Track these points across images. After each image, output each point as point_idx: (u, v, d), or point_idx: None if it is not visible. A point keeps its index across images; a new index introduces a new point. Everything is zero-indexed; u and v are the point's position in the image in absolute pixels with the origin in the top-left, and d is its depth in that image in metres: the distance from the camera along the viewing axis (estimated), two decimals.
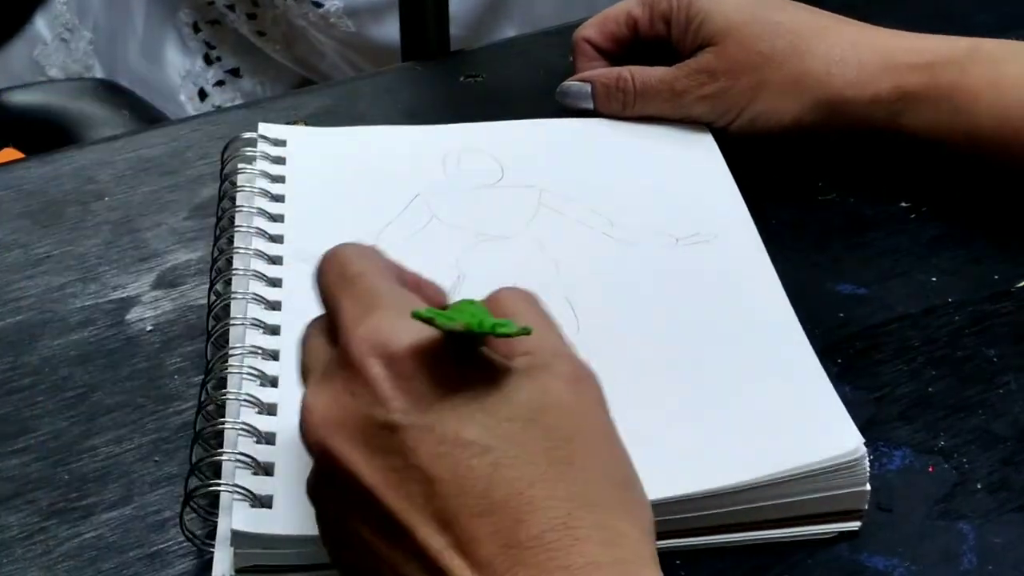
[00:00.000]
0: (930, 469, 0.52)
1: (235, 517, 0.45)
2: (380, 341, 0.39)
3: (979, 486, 0.52)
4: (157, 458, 0.53)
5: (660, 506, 0.47)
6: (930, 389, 0.56)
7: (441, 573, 0.36)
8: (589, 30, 0.71)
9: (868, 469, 0.48)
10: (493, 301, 0.42)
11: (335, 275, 0.42)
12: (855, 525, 0.49)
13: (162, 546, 0.50)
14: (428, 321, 0.38)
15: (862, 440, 0.48)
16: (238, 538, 0.45)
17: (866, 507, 0.49)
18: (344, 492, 0.38)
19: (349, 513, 0.39)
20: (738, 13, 0.66)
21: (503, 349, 0.40)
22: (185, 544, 0.49)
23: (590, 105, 0.69)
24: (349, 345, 0.39)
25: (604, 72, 0.69)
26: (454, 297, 0.57)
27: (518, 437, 0.37)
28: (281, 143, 0.66)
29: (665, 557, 0.48)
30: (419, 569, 0.37)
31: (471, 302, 0.41)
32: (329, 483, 0.39)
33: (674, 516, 0.48)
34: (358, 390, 0.38)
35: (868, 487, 0.48)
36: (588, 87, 0.69)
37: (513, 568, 0.35)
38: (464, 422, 0.37)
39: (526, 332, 0.39)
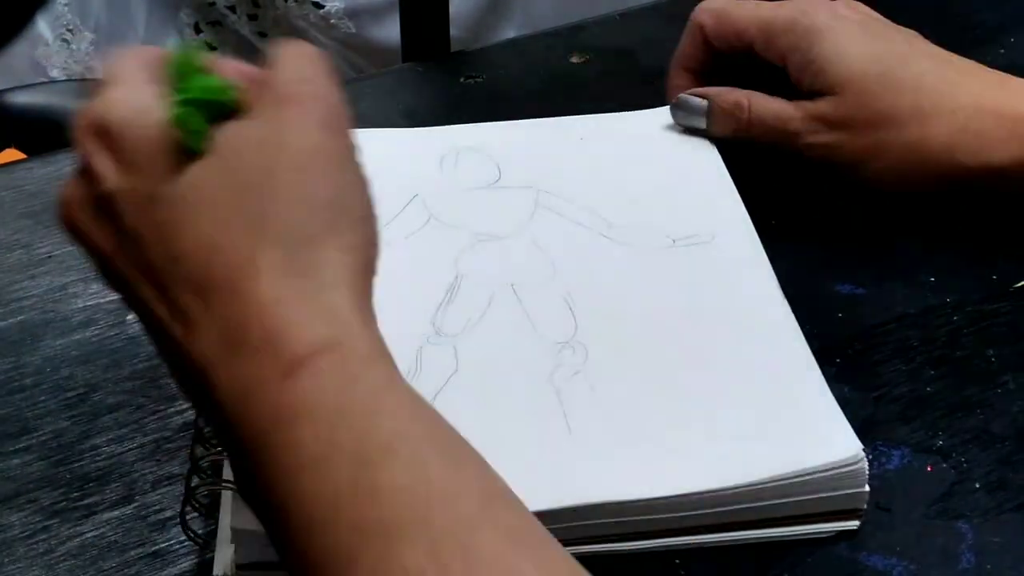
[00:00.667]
0: (929, 468, 0.53)
1: (235, 514, 0.46)
2: (95, 118, 0.41)
3: (977, 485, 0.52)
4: (158, 457, 0.53)
5: (658, 506, 0.47)
6: (929, 389, 0.56)
7: (156, 319, 0.40)
8: (707, 16, 0.66)
9: (867, 471, 0.48)
10: (278, 58, 0.43)
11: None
12: (854, 524, 0.49)
13: (163, 545, 0.50)
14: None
15: (860, 445, 0.48)
16: (238, 535, 0.45)
17: (865, 507, 0.49)
18: (94, 258, 0.42)
19: (102, 273, 0.43)
20: (860, 63, 0.62)
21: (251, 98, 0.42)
22: (186, 543, 0.49)
23: (702, 124, 0.66)
24: (75, 130, 0.42)
25: (723, 93, 0.65)
26: (454, 297, 0.57)
27: (207, 184, 0.40)
28: None
29: (665, 556, 0.49)
30: (145, 316, 0.41)
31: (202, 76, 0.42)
32: (87, 253, 0.43)
33: (672, 515, 0.48)
34: (77, 171, 0.42)
35: (867, 488, 0.48)
36: (705, 104, 0.66)
37: (207, 312, 0.38)
38: (159, 180, 0.40)
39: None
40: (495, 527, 0.36)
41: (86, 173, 0.41)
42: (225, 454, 0.47)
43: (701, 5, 0.68)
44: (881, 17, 0.66)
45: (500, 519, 0.36)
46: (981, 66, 0.64)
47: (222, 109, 0.42)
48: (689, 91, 0.67)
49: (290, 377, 0.37)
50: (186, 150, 0.40)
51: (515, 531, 0.36)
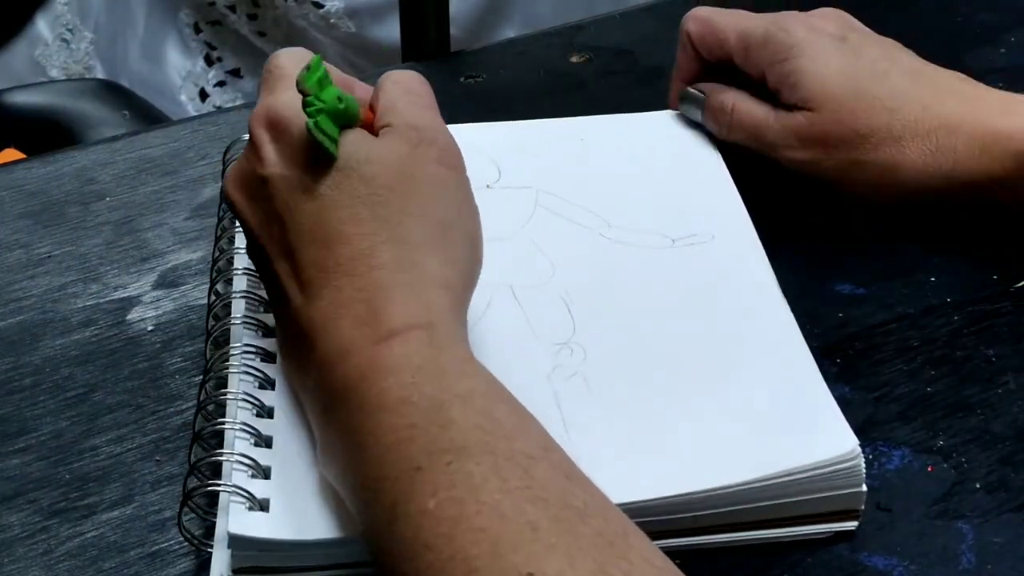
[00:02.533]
0: (929, 469, 0.53)
1: (232, 520, 0.45)
2: (270, 112, 0.49)
3: (978, 486, 0.52)
4: (158, 458, 0.53)
5: (656, 506, 0.47)
6: (929, 389, 0.56)
7: (283, 289, 0.47)
8: (692, 24, 0.67)
9: (864, 470, 0.48)
10: (379, 87, 0.52)
11: (264, 72, 0.52)
12: (852, 525, 0.49)
13: (163, 545, 0.50)
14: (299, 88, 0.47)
15: (857, 442, 0.48)
16: (235, 541, 0.45)
17: (863, 507, 0.49)
18: (245, 230, 0.50)
19: (248, 244, 0.51)
20: (836, 80, 0.62)
21: (377, 122, 0.50)
22: (186, 544, 0.49)
23: (699, 117, 0.67)
24: (250, 120, 0.50)
25: (715, 91, 0.66)
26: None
27: (343, 184, 0.47)
28: None
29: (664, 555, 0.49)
30: (273, 287, 0.48)
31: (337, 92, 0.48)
32: (241, 224, 0.50)
33: (670, 516, 0.48)
34: (250, 154, 0.49)
35: (864, 488, 0.48)
36: (701, 98, 0.67)
37: (326, 287, 0.45)
38: (309, 173, 0.47)
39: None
40: (552, 464, 0.41)
41: (252, 156, 0.49)
42: (311, 424, 0.48)
43: (689, 13, 0.68)
44: (861, 26, 0.66)
45: (557, 460, 0.41)
46: (958, 76, 0.64)
47: (348, 121, 0.48)
48: (693, 85, 0.68)
49: (384, 343, 0.43)
50: (320, 153, 0.47)
51: (571, 471, 0.41)
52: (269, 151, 0.48)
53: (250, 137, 0.49)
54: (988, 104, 0.62)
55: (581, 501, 0.39)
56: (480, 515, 0.38)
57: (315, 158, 0.47)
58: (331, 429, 0.44)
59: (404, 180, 0.47)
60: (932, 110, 0.62)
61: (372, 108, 0.52)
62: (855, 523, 0.49)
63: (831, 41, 0.63)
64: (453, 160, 0.50)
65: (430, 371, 0.42)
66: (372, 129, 0.50)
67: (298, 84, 0.47)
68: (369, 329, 0.44)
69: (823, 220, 0.66)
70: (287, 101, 0.49)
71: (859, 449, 0.48)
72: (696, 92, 0.67)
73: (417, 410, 0.41)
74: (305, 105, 0.47)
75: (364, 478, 0.42)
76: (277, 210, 0.48)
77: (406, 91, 0.52)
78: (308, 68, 0.47)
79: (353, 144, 0.48)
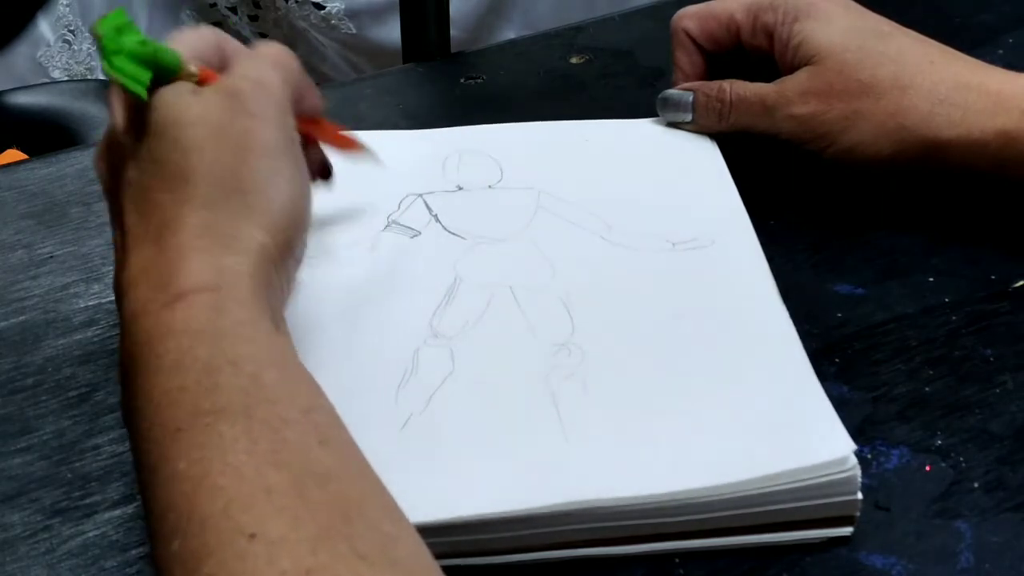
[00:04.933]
0: (927, 468, 0.53)
1: None
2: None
3: (976, 485, 0.52)
4: None
5: (652, 507, 0.47)
6: (927, 389, 0.56)
7: (116, 260, 0.48)
8: (689, 21, 0.68)
9: (860, 478, 0.48)
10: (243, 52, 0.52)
11: None
12: (847, 531, 0.49)
13: None
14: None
15: (853, 448, 0.48)
16: None
17: (858, 514, 0.49)
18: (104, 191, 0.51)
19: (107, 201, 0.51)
20: (842, 37, 0.63)
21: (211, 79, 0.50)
22: None
23: (687, 117, 0.67)
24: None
25: (706, 83, 0.67)
26: (453, 300, 0.57)
27: (156, 149, 0.47)
28: None
29: (663, 554, 0.49)
30: (118, 251, 0.48)
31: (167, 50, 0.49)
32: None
33: (667, 519, 0.48)
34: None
35: (860, 496, 0.48)
36: (689, 96, 0.67)
37: (134, 253, 0.46)
38: (133, 139, 0.48)
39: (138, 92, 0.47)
40: (307, 428, 0.41)
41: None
42: None
43: (677, 15, 0.69)
44: (862, 8, 0.67)
45: (316, 423, 0.41)
46: (960, 53, 0.64)
47: (163, 70, 0.48)
48: (673, 88, 0.68)
49: (169, 307, 0.44)
50: (137, 101, 0.47)
51: (329, 435, 0.41)
52: (117, 116, 0.49)
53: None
54: (993, 71, 0.63)
55: (325, 468, 0.40)
56: (223, 475, 0.39)
57: (131, 113, 0.48)
58: (125, 392, 0.44)
59: (213, 139, 0.47)
60: (939, 65, 0.62)
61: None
62: (850, 529, 0.49)
63: (836, 5, 0.65)
64: (275, 115, 0.49)
65: (209, 335, 0.43)
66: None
67: (91, 30, 0.47)
68: (159, 293, 0.44)
69: (823, 220, 0.66)
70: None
71: (855, 457, 0.48)
72: (680, 92, 0.67)
73: (189, 373, 0.42)
74: (101, 49, 0.47)
75: (138, 440, 0.42)
76: (116, 180, 0.49)
77: (258, 54, 0.51)
78: (104, 17, 0.47)
79: (166, 106, 0.47)
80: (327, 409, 0.43)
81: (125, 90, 0.47)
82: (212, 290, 0.44)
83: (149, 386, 0.42)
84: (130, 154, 0.48)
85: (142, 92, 0.47)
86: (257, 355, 0.43)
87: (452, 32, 0.84)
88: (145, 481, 0.41)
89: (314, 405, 0.43)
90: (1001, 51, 0.80)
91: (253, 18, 1.44)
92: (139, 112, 0.48)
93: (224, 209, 0.46)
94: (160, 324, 0.43)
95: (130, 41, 0.47)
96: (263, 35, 1.44)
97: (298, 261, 0.49)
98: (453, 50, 0.84)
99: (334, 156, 0.58)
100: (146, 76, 0.47)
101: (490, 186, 0.64)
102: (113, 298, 0.62)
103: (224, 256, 0.45)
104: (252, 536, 0.37)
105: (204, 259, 0.45)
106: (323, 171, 0.58)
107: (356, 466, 0.41)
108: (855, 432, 0.53)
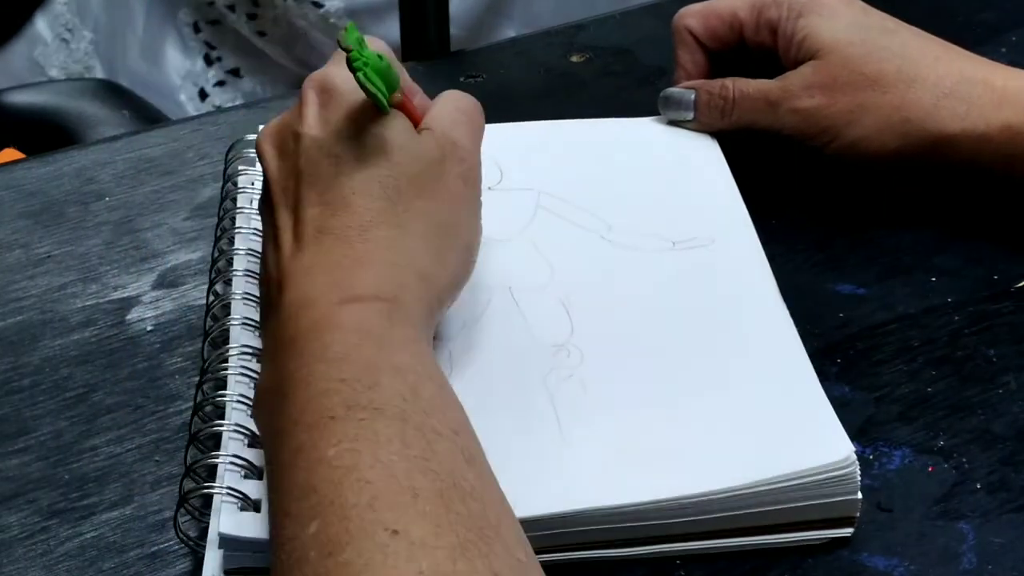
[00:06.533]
0: (930, 469, 0.53)
1: (222, 520, 0.45)
2: (324, 79, 0.51)
3: (979, 486, 0.52)
4: (157, 458, 0.53)
5: (651, 510, 0.47)
6: (930, 389, 0.56)
7: (278, 240, 0.49)
8: (691, 19, 0.68)
9: (859, 477, 0.48)
10: (437, 98, 0.54)
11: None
12: (847, 532, 0.49)
13: (162, 546, 0.50)
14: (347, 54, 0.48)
15: (852, 448, 0.48)
16: (225, 541, 0.45)
17: (858, 515, 0.49)
18: (264, 181, 0.52)
19: (261, 195, 0.52)
20: (847, 31, 0.63)
21: (421, 125, 0.52)
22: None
23: (689, 115, 0.67)
24: (305, 81, 0.52)
25: (708, 81, 0.67)
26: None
27: (368, 160, 0.49)
28: None
29: (664, 557, 0.49)
30: (270, 235, 0.50)
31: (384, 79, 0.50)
32: (263, 174, 0.52)
33: (666, 521, 0.48)
34: (294, 111, 0.51)
35: (859, 496, 0.48)
36: (691, 95, 0.67)
37: (315, 244, 0.47)
38: (340, 141, 0.49)
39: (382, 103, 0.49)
40: (456, 445, 0.42)
41: (295, 114, 0.51)
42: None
43: (679, 13, 0.68)
44: (866, 5, 0.67)
45: (463, 444, 0.42)
46: (964, 49, 0.64)
47: (391, 83, 0.50)
48: (675, 85, 0.68)
49: (345, 304, 0.45)
50: (373, 111, 0.49)
51: (474, 457, 0.42)
52: (311, 112, 0.50)
53: (300, 97, 0.51)
54: (996, 67, 0.63)
55: (470, 484, 0.40)
56: (372, 469, 0.39)
57: (363, 118, 0.50)
58: (273, 373, 0.45)
59: (424, 180, 0.50)
60: (944, 60, 0.62)
61: (422, 114, 0.53)
62: (850, 530, 0.49)
63: (840, 1, 0.65)
64: (474, 183, 0.53)
65: (376, 338, 0.44)
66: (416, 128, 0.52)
67: (339, 42, 0.48)
68: (338, 289, 0.45)
69: (824, 220, 0.66)
70: (342, 73, 0.50)
71: (854, 456, 0.48)
72: (681, 90, 0.67)
73: (351, 368, 0.43)
74: (350, 61, 0.48)
75: (284, 421, 0.42)
76: (299, 167, 0.49)
77: (457, 108, 0.54)
78: (345, 30, 0.49)
79: (393, 129, 0.50)
80: (472, 433, 0.44)
81: (368, 96, 0.49)
82: (388, 301, 0.46)
83: (307, 371, 0.43)
84: (329, 151, 0.49)
85: (386, 106, 0.49)
86: (418, 368, 0.44)
87: (452, 30, 0.84)
88: (284, 461, 0.41)
89: (463, 426, 0.44)
90: (1004, 49, 0.80)
91: (251, 16, 1.44)
92: (352, 119, 0.50)
93: (413, 235, 0.48)
94: (331, 317, 0.44)
95: (370, 56, 0.48)
96: (261, 33, 1.44)
97: (453, 301, 0.52)
98: (453, 48, 0.83)
99: None
100: (384, 89, 0.49)
101: (489, 187, 0.64)
102: (110, 298, 0.62)
103: (406, 275, 0.47)
104: (395, 532, 0.37)
105: (389, 273, 0.47)
106: None
107: (496, 491, 0.42)
108: (857, 433, 0.52)
